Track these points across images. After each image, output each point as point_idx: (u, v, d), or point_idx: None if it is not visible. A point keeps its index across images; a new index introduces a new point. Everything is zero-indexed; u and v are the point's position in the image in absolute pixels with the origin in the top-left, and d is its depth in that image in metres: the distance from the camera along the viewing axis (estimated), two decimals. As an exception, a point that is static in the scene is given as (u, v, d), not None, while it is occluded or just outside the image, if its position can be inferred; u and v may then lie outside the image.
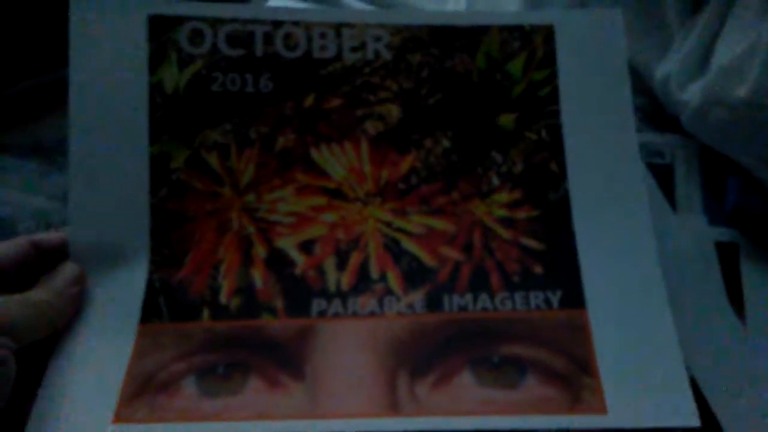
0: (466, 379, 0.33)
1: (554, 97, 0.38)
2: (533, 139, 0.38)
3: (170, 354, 0.33)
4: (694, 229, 0.43)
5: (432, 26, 0.39)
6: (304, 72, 0.38)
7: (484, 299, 0.35)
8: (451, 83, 0.38)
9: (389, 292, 0.35)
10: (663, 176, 0.46)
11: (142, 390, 0.32)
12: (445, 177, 0.38)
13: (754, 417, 0.35)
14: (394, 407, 0.32)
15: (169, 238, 0.36)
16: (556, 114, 0.38)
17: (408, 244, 0.36)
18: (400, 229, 0.37)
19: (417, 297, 0.35)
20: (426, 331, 0.34)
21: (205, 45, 0.38)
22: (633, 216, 0.37)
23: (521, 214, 0.37)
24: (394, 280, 0.36)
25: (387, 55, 0.39)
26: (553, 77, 0.39)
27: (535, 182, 0.38)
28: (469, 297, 0.35)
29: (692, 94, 0.45)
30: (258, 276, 0.36)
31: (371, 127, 0.38)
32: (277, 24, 0.38)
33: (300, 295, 0.35)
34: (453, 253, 0.36)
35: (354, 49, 0.38)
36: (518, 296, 0.35)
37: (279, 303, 0.35)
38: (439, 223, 0.37)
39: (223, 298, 0.35)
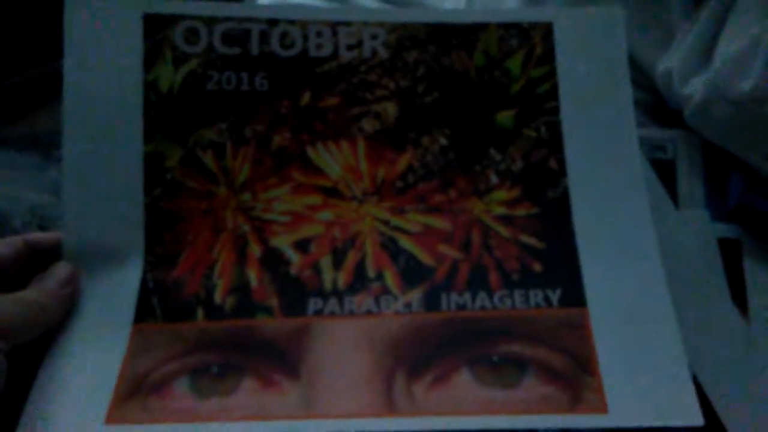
0: (464, 378, 0.32)
1: (553, 93, 0.38)
2: (532, 136, 0.38)
3: (164, 354, 0.33)
4: (697, 226, 0.42)
5: (429, 24, 0.39)
6: (300, 70, 0.38)
7: (482, 298, 0.35)
8: (448, 81, 0.38)
9: (386, 291, 0.35)
10: (665, 171, 0.45)
11: (135, 391, 0.32)
12: (442, 175, 0.37)
13: (757, 415, 0.34)
14: (390, 407, 0.31)
15: (164, 237, 0.36)
16: (556, 111, 0.38)
17: (405, 243, 0.36)
18: (397, 228, 0.36)
19: (414, 296, 0.35)
20: (423, 330, 0.34)
21: (201, 43, 0.37)
22: (633, 212, 0.36)
23: (520, 212, 0.37)
24: (391, 278, 0.35)
25: (384, 53, 0.38)
26: (552, 74, 0.38)
27: (534, 179, 0.37)
28: (467, 295, 0.35)
29: (695, 88, 0.44)
30: (253, 275, 0.35)
31: (368, 126, 0.38)
32: (273, 22, 0.38)
33: (296, 294, 0.35)
34: (451, 252, 0.36)
35: (350, 48, 0.38)
36: (517, 294, 0.35)
37: (274, 302, 0.34)
38: (437, 222, 0.37)
39: (217, 298, 0.35)
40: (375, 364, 0.32)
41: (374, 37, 0.38)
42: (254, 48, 0.38)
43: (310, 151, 0.37)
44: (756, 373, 0.36)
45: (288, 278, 0.35)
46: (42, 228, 0.43)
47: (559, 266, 0.35)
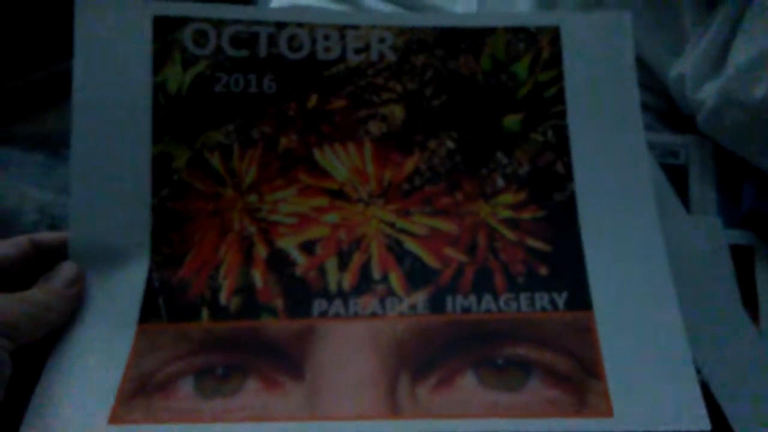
0: (468, 381, 0.32)
1: (560, 97, 0.38)
2: (539, 140, 0.38)
3: (168, 354, 0.33)
4: (709, 232, 0.42)
5: (437, 28, 0.39)
6: (307, 73, 0.38)
7: (488, 300, 0.34)
8: (455, 85, 0.38)
9: (391, 292, 0.35)
10: (677, 177, 0.45)
11: (139, 391, 0.32)
12: (448, 178, 0.37)
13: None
14: (394, 409, 0.31)
15: (170, 238, 0.36)
16: (562, 115, 0.38)
17: (411, 245, 0.36)
18: (403, 230, 0.36)
19: (419, 298, 0.34)
20: (428, 333, 0.33)
21: (209, 46, 0.38)
22: (640, 216, 0.36)
23: (526, 215, 0.36)
24: (396, 280, 0.35)
25: (391, 56, 0.38)
26: (559, 78, 0.38)
27: (540, 183, 0.37)
28: (472, 298, 0.34)
29: (707, 94, 0.44)
30: (258, 276, 0.35)
31: (375, 128, 0.38)
32: (281, 25, 0.38)
33: (301, 295, 0.35)
34: (457, 254, 0.36)
35: (358, 51, 0.38)
36: (523, 297, 0.34)
37: (279, 303, 0.34)
38: (443, 224, 0.36)
39: (222, 299, 0.35)
40: (379, 366, 0.32)
41: (382, 40, 0.38)
42: (262, 50, 0.38)
43: (316, 154, 0.37)
44: (767, 380, 0.35)
45: (293, 279, 0.35)
46: (52, 227, 0.43)
47: (565, 269, 0.35)
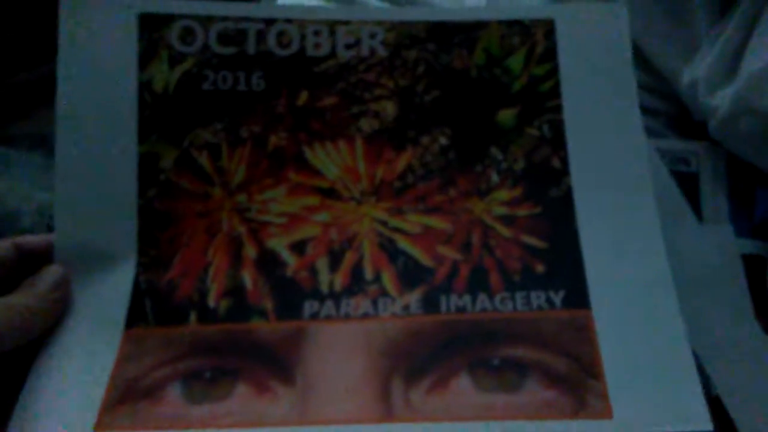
0: (463, 383, 0.31)
1: (556, 92, 0.37)
2: (534, 134, 0.37)
3: (155, 359, 0.32)
4: (720, 241, 0.40)
5: (429, 22, 0.38)
6: (297, 70, 0.37)
7: (483, 300, 0.33)
8: (448, 80, 0.37)
9: (384, 292, 0.34)
10: (688, 184, 0.43)
11: (126, 396, 0.31)
12: (442, 175, 0.36)
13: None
14: (387, 413, 0.30)
15: (157, 239, 0.35)
16: (558, 109, 0.37)
17: (404, 244, 0.35)
18: (395, 229, 0.35)
19: (413, 298, 0.34)
20: (422, 334, 0.32)
21: (197, 43, 0.37)
22: (639, 212, 0.35)
23: (522, 212, 0.36)
24: (388, 280, 0.34)
25: (382, 52, 0.37)
26: (554, 72, 0.37)
27: (536, 179, 0.36)
28: (467, 298, 0.34)
29: (721, 100, 0.43)
30: (248, 277, 0.34)
31: (366, 125, 0.37)
32: (270, 22, 0.37)
33: (291, 296, 0.34)
34: (451, 253, 0.35)
35: (348, 47, 0.37)
36: (519, 296, 0.34)
37: (269, 305, 0.34)
38: (437, 222, 0.36)
39: (211, 301, 0.34)
40: (371, 369, 0.31)
41: (373, 35, 0.38)
42: (251, 47, 0.37)
43: (307, 152, 0.36)
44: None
45: (283, 280, 0.34)
46: (50, 229, 0.43)
47: (562, 267, 0.34)
